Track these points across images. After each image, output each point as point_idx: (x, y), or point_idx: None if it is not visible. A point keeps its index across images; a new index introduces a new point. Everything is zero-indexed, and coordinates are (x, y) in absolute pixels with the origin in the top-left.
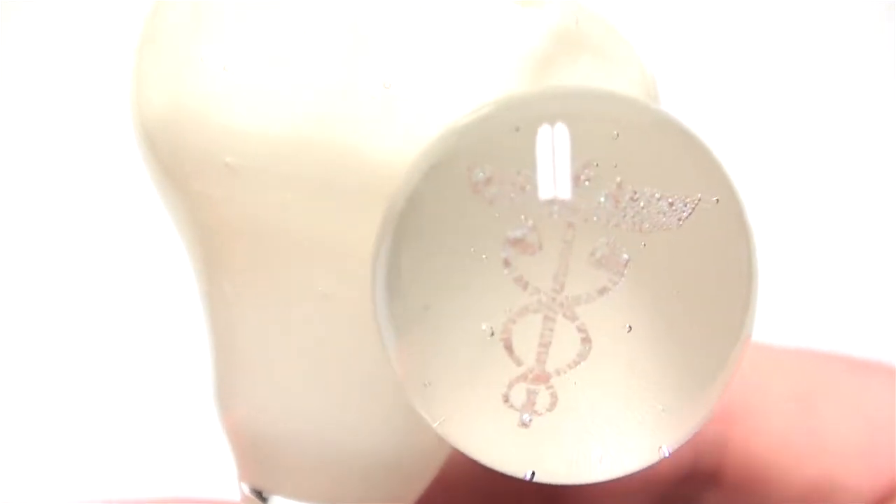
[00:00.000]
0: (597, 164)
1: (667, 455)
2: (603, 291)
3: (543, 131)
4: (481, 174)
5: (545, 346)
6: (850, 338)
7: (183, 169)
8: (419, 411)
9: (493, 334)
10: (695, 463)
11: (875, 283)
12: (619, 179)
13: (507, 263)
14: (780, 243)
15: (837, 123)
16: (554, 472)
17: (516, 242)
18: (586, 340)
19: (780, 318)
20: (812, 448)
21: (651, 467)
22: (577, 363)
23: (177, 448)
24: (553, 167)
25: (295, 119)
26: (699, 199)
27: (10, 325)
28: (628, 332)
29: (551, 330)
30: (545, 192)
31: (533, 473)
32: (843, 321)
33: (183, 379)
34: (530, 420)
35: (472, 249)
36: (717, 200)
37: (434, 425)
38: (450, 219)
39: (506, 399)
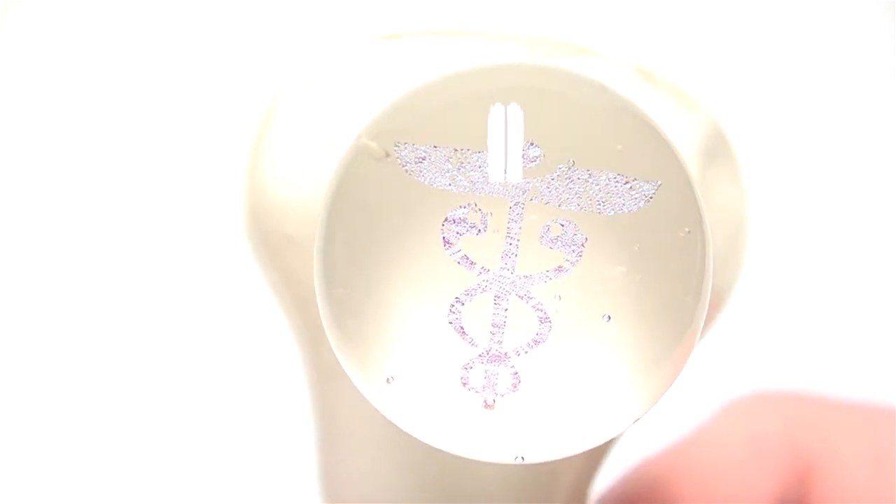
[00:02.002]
0: (546, 144)
1: (639, 419)
2: (559, 270)
3: (486, 107)
4: (410, 153)
5: (499, 326)
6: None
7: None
8: (384, 412)
9: (444, 317)
10: None
11: (874, 282)
12: (571, 160)
13: (448, 243)
14: (780, 243)
15: (837, 123)
16: (536, 450)
17: (457, 222)
18: (545, 319)
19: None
20: None
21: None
22: (537, 342)
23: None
24: (496, 145)
25: None
26: (659, 184)
27: (10, 325)
28: (588, 309)
29: (505, 310)
30: (495, 171)
31: (522, 458)
32: (842, 321)
33: (183, 380)
34: (494, 401)
35: (411, 231)
36: (674, 185)
37: (403, 425)
38: (383, 200)
39: (464, 382)
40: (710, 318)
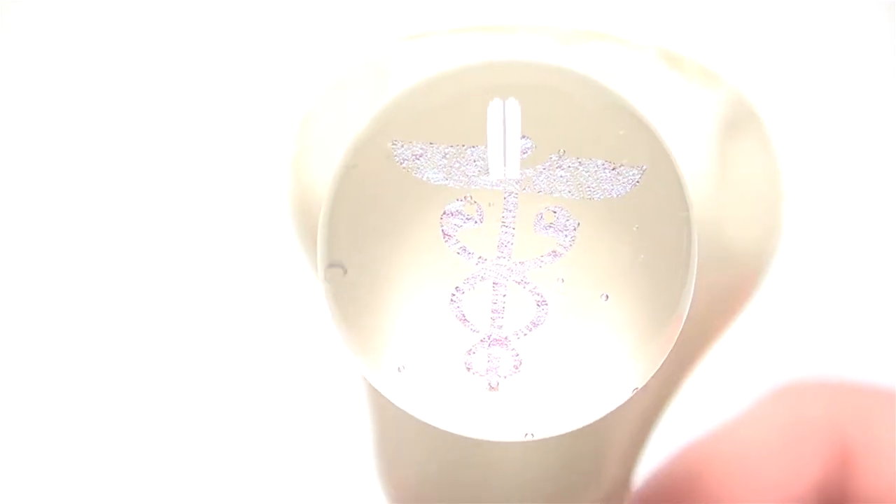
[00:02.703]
0: (536, 135)
1: (639, 388)
2: (554, 255)
3: (480, 103)
4: (407, 151)
5: (498, 311)
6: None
7: None
8: (396, 400)
9: (446, 305)
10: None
11: (873, 282)
12: (562, 149)
13: (447, 236)
14: (821, 227)
15: (837, 123)
16: (543, 426)
17: (454, 214)
18: (542, 303)
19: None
20: None
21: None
22: (536, 324)
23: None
24: (494, 140)
25: None
26: (644, 168)
27: (11, 326)
28: (586, 289)
29: (504, 296)
30: (494, 163)
31: (532, 434)
32: (886, 305)
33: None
34: (498, 384)
35: (412, 225)
36: (660, 170)
37: (414, 412)
38: (385, 194)
39: (468, 367)
40: (745, 296)
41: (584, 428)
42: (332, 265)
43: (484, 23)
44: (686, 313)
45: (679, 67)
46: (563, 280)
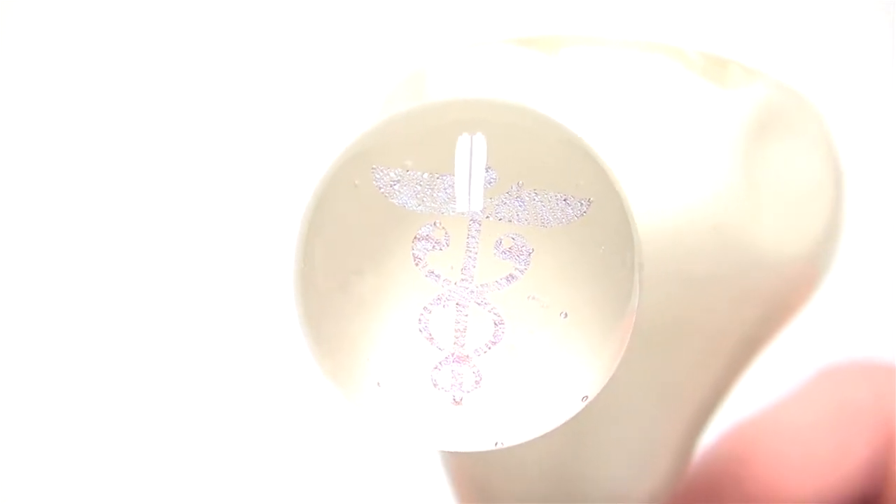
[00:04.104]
0: (499, 167)
1: (589, 399)
2: (510, 279)
3: (452, 136)
4: (387, 176)
5: (461, 331)
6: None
7: None
8: (371, 415)
9: (415, 324)
10: (858, 488)
11: (874, 283)
12: (520, 181)
13: (417, 259)
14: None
15: (837, 124)
16: (509, 435)
17: (425, 239)
18: (500, 322)
19: None
20: None
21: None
22: (494, 343)
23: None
24: (464, 172)
25: None
26: (590, 200)
27: (11, 326)
28: (537, 311)
29: (466, 316)
30: (461, 193)
31: (501, 443)
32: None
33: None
34: (461, 398)
35: (385, 250)
36: (603, 202)
37: (387, 427)
38: (360, 218)
39: (435, 383)
40: (794, 302)
41: (639, 432)
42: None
43: (523, 33)
44: (630, 328)
45: (696, 67)
46: (534, 297)
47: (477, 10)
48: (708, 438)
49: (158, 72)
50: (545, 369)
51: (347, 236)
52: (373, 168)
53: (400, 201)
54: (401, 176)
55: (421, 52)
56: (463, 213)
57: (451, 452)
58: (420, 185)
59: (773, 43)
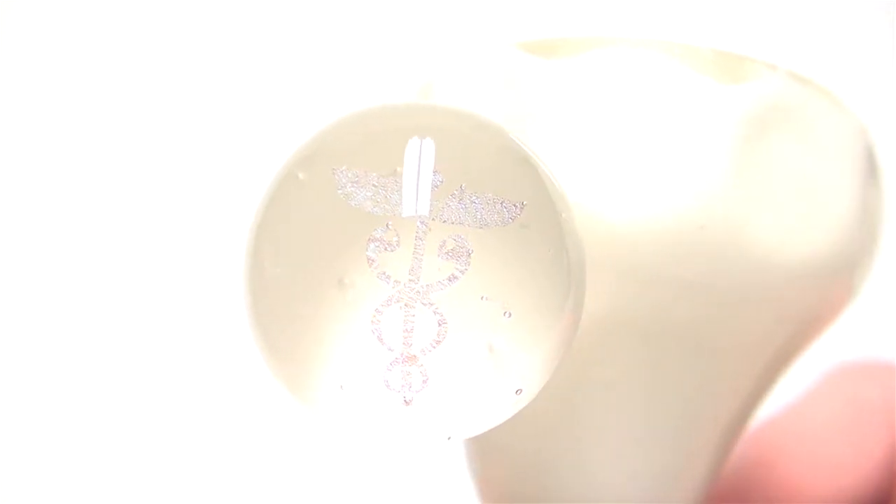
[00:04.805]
0: (446, 172)
1: (522, 392)
2: (452, 279)
3: (403, 141)
4: (347, 176)
5: (409, 331)
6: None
7: None
8: (332, 418)
9: (368, 326)
10: (874, 488)
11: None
12: (463, 185)
13: (371, 261)
14: None
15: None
16: (459, 431)
17: (377, 241)
18: (443, 322)
19: None
20: None
21: None
22: (438, 342)
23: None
24: (414, 174)
25: None
26: (524, 203)
27: (12, 327)
28: (480, 310)
29: (413, 316)
30: (406, 197)
31: (451, 438)
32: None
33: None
34: (412, 399)
35: (340, 250)
36: (538, 205)
37: (347, 428)
38: (315, 219)
39: (387, 384)
40: (828, 305)
41: (670, 440)
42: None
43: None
44: (572, 326)
45: (693, 63)
46: (486, 298)
47: (477, 10)
48: None
49: (158, 72)
50: (488, 367)
51: (300, 239)
52: (332, 170)
53: (357, 203)
54: (359, 176)
55: (423, 56)
56: (411, 216)
57: (479, 454)
58: (376, 187)
59: (772, 43)
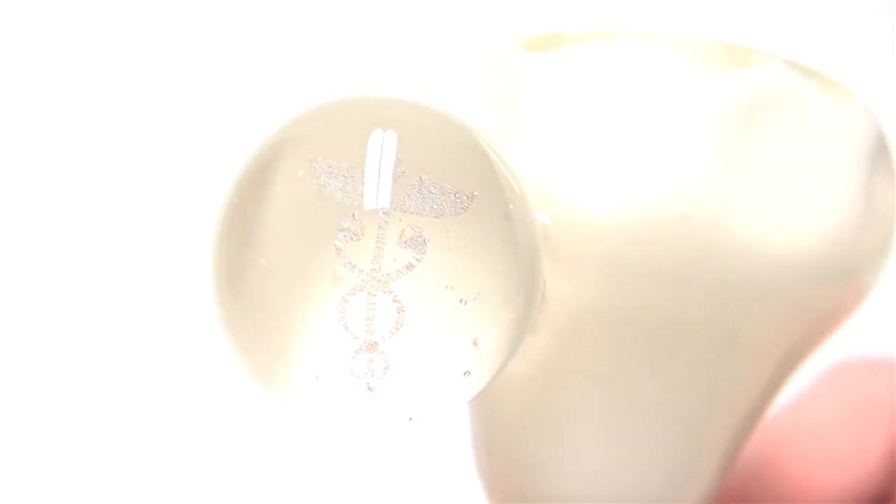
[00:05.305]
0: (407, 163)
1: (470, 374)
2: (410, 267)
3: (366, 131)
4: (321, 166)
5: (371, 319)
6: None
7: None
8: (307, 408)
9: (335, 315)
10: (877, 485)
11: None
12: (422, 176)
13: (338, 250)
14: None
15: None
16: (421, 413)
17: (345, 230)
18: (401, 310)
19: None
20: None
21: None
22: (397, 329)
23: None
24: (377, 165)
25: None
26: (475, 194)
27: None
28: (434, 297)
29: (375, 304)
30: (370, 186)
31: (410, 419)
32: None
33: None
34: (374, 386)
35: (309, 238)
36: (489, 196)
37: (319, 417)
38: (285, 208)
39: (352, 371)
40: (832, 303)
41: (676, 440)
42: None
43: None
44: (525, 314)
45: (679, 50)
46: (451, 287)
47: (475, 10)
48: None
49: (158, 71)
50: (445, 353)
51: (274, 230)
52: (309, 161)
53: (331, 192)
54: (332, 167)
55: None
56: (374, 206)
57: (486, 455)
58: (345, 178)
59: (772, 43)
